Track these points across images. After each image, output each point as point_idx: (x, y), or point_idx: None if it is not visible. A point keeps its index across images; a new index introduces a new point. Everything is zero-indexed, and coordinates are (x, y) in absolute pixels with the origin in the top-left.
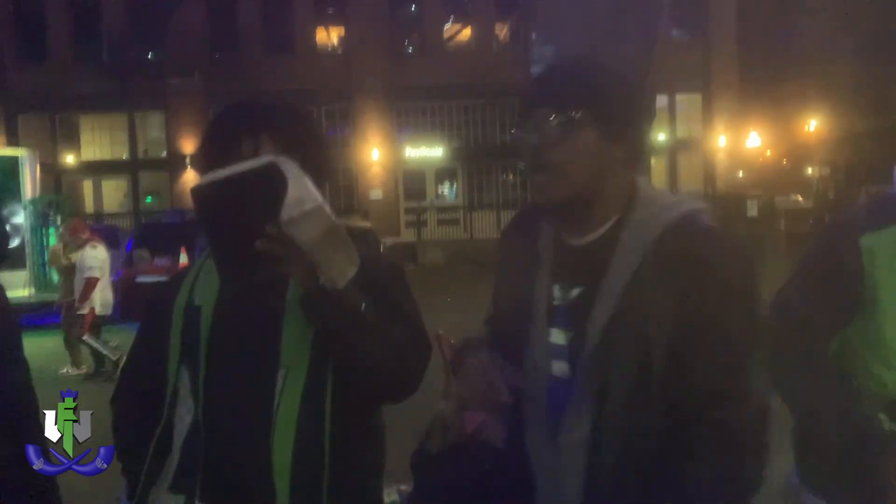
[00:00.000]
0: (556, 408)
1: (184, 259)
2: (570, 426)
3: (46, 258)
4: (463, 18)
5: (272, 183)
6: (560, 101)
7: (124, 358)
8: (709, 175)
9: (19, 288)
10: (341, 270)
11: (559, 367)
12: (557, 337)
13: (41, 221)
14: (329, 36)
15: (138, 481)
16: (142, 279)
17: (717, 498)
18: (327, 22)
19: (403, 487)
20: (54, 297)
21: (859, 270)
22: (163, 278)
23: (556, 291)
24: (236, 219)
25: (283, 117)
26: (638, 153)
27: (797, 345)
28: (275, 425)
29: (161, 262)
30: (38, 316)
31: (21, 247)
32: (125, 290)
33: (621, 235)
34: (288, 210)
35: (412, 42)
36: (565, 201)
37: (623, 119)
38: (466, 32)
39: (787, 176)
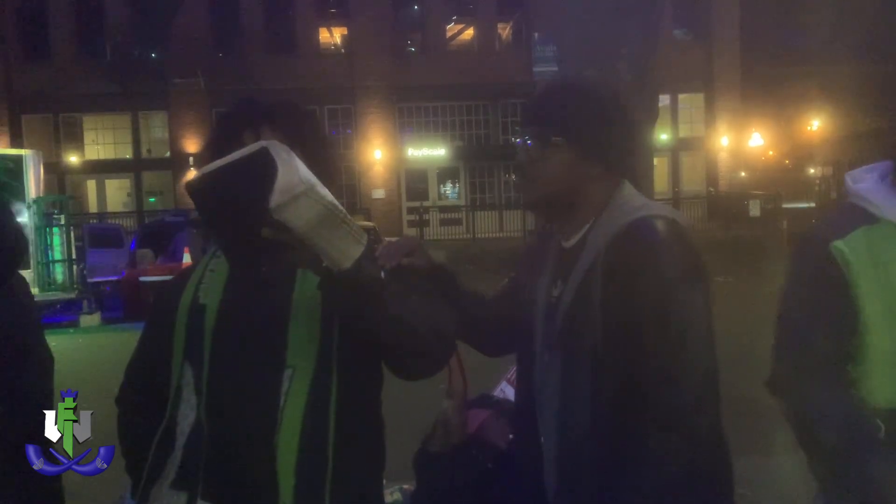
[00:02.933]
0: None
1: (187, 259)
2: (543, 403)
3: (50, 257)
4: (465, 18)
5: (263, 169)
6: (539, 123)
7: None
8: (711, 175)
9: None
10: (344, 252)
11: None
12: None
13: (45, 221)
14: (332, 36)
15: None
16: (145, 279)
17: (660, 477)
18: (330, 22)
19: (406, 486)
20: (59, 295)
21: (841, 277)
22: (166, 278)
23: (552, 290)
24: (232, 209)
25: (284, 111)
26: (617, 167)
27: (818, 377)
28: (280, 425)
29: (164, 261)
30: (41, 315)
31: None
32: (129, 290)
33: (587, 238)
34: (277, 196)
35: (415, 42)
36: (539, 206)
37: (595, 142)
38: (469, 32)
39: (790, 176)
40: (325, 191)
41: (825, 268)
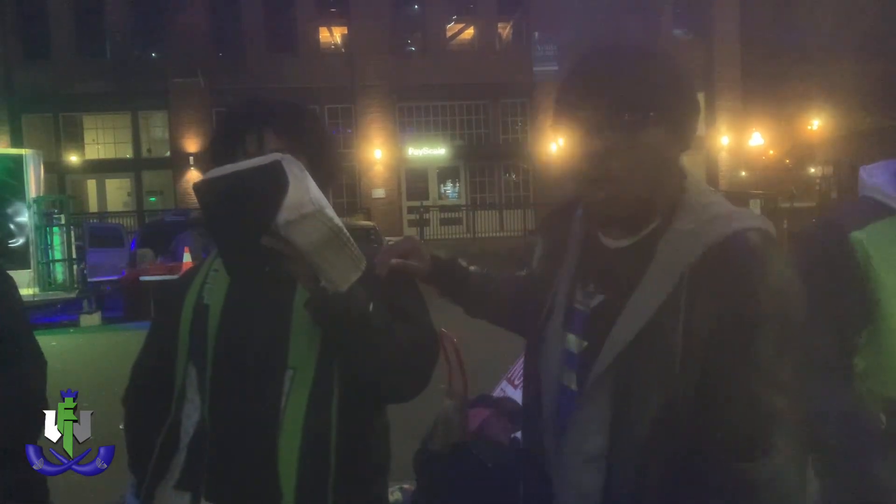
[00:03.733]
0: (563, 420)
1: (187, 259)
2: (577, 443)
3: (50, 257)
4: (465, 17)
5: (274, 183)
6: (632, 100)
7: None
8: (711, 174)
9: (23, 287)
10: (342, 275)
11: (568, 377)
12: (571, 343)
13: (45, 220)
14: (332, 35)
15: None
16: (145, 279)
17: None
18: (330, 21)
19: (406, 486)
20: (59, 295)
21: (857, 268)
22: (166, 278)
23: (579, 294)
24: (237, 216)
25: (287, 113)
26: (689, 146)
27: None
28: (282, 426)
29: (164, 261)
30: (42, 315)
31: (25, 246)
32: (129, 290)
33: (659, 245)
34: (285, 213)
35: (415, 41)
36: (627, 212)
37: (685, 118)
38: (469, 31)
39: (790, 175)
40: (332, 213)
41: (842, 258)
